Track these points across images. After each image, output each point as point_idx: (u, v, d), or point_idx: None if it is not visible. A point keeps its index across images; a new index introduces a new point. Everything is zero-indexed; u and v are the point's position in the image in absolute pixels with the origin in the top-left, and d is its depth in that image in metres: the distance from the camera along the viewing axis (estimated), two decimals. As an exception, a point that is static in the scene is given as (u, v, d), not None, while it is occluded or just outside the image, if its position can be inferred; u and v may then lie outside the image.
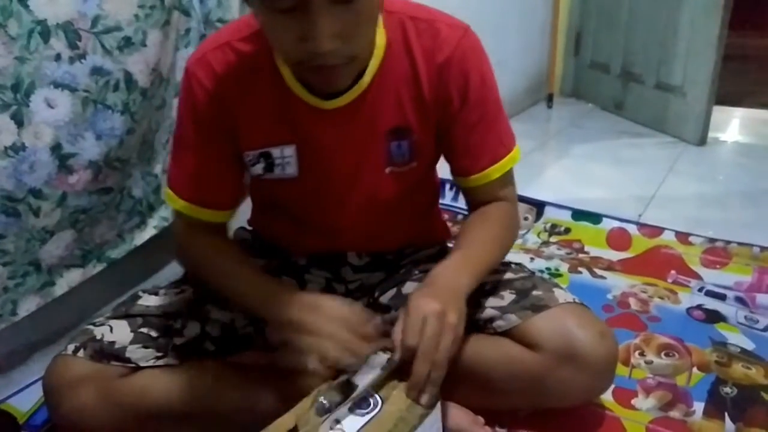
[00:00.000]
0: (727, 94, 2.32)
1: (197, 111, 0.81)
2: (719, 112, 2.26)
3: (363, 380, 0.71)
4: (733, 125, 2.50)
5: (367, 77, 0.78)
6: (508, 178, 0.89)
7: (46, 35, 0.89)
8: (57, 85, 0.92)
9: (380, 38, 0.78)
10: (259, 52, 0.79)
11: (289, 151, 0.83)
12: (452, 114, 0.83)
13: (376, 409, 0.66)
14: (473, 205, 0.90)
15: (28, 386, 1.01)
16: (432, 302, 0.71)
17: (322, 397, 0.69)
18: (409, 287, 0.94)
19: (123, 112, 1.01)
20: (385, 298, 0.95)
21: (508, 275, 0.91)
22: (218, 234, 0.90)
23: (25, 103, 0.89)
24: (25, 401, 0.98)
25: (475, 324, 0.87)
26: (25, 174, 0.91)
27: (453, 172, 0.89)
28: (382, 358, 0.74)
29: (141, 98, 1.04)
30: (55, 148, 0.93)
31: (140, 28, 1.00)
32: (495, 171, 0.86)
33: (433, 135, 0.85)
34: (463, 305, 0.75)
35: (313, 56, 0.66)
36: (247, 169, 0.87)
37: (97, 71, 0.96)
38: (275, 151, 0.83)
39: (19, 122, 0.89)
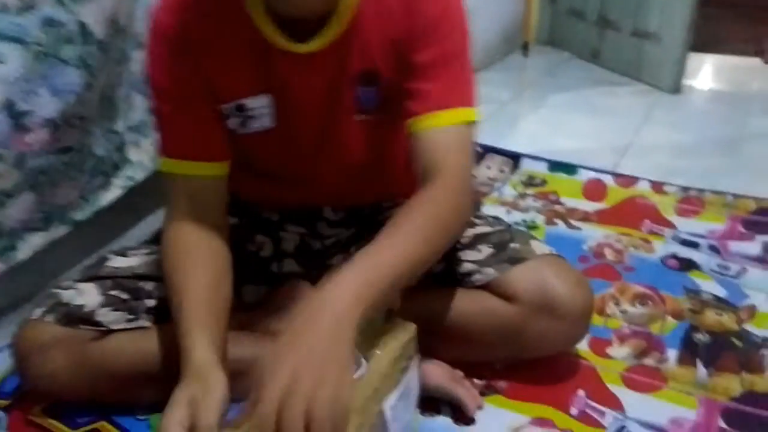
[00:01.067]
0: (701, 41, 2.31)
1: (168, 62, 0.77)
2: (693, 59, 2.25)
3: None
4: (705, 72, 2.49)
5: (342, 19, 0.75)
6: (456, 140, 0.76)
7: (-11, -17, 0.83)
8: (5, 37, 0.86)
9: None
10: None
11: (264, 100, 0.79)
12: (405, 53, 0.77)
13: (362, 370, 0.65)
14: (415, 171, 0.77)
15: (-5, 353, 0.98)
16: (292, 368, 0.53)
17: None
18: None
19: (79, 66, 0.95)
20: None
21: (485, 229, 0.90)
22: (211, 215, 0.80)
23: (-28, 58, 0.84)
24: (-6, 368, 0.95)
25: (453, 278, 0.86)
26: (-23, 134, 0.86)
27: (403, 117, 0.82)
28: None
29: (98, 51, 0.98)
30: (8, 105, 0.88)
31: (93, -25, 0.94)
32: (440, 118, 0.75)
33: (401, 82, 0.81)
34: (349, 341, 0.58)
35: None
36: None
37: (48, 22, 0.90)
38: (249, 102, 0.79)
39: (-34, 79, 0.84)
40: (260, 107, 0.80)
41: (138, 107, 1.18)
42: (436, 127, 0.75)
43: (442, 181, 0.73)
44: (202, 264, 0.76)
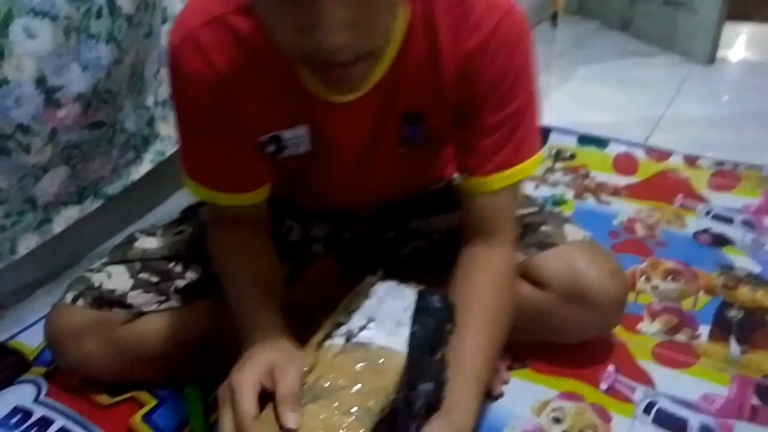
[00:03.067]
0: (735, 9, 2.22)
1: (194, 99, 0.69)
2: (727, 29, 2.17)
3: (379, 310, 0.70)
4: (740, 42, 2.41)
5: (383, 67, 0.67)
6: (512, 200, 0.75)
7: (19, -42, 0.83)
8: (36, 13, 0.86)
9: (401, 16, 0.65)
10: (259, 29, 0.64)
11: (302, 130, 0.73)
12: (471, 107, 0.70)
13: None
14: (469, 226, 0.76)
15: (34, 323, 1.01)
16: None
17: (341, 323, 0.69)
18: (414, 224, 0.92)
19: (108, 41, 0.95)
20: (390, 235, 0.94)
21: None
22: (253, 226, 0.78)
23: (4, 34, 0.84)
24: (33, 338, 0.98)
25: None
26: (11, 109, 0.87)
27: (456, 166, 0.80)
28: (387, 286, 0.74)
29: (126, 25, 0.98)
30: (40, 81, 0.89)
31: (121, -52, 0.93)
32: (499, 180, 0.72)
33: (450, 120, 0.75)
34: None
35: (319, 52, 0.53)
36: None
37: (77, -4, 0.90)
38: (286, 133, 0.73)
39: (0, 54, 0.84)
40: (298, 137, 0.74)
41: (166, 82, 1.18)
42: (496, 191, 0.72)
43: (503, 253, 0.74)
44: (253, 257, 0.75)
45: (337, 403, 0.59)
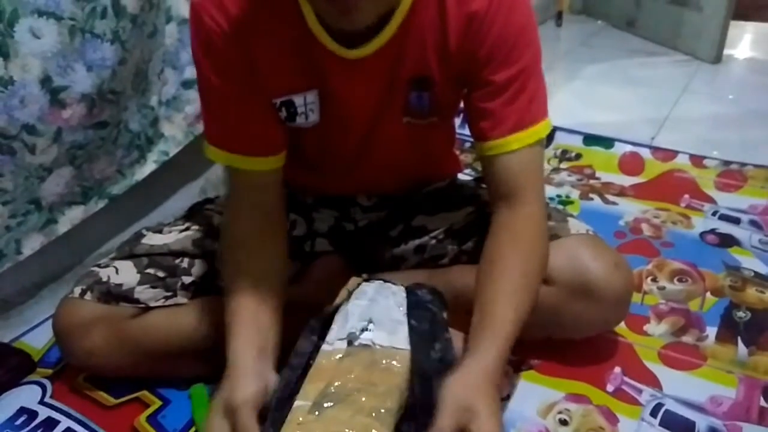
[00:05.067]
0: (741, 8, 2.21)
1: (216, 55, 0.72)
2: (733, 28, 2.16)
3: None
4: (746, 41, 2.40)
5: (394, 25, 0.70)
6: (533, 159, 0.76)
7: (24, -42, 0.83)
8: (41, 13, 0.86)
9: None
10: None
11: (312, 97, 0.76)
12: (476, 70, 0.73)
13: None
14: (493, 191, 0.77)
15: (39, 324, 1.01)
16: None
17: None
18: (418, 220, 0.92)
19: (113, 41, 0.95)
20: (394, 232, 0.93)
21: None
22: (269, 210, 0.80)
23: (10, 34, 0.84)
24: (38, 339, 0.98)
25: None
26: (16, 109, 0.87)
27: (472, 135, 0.80)
28: (375, 286, 0.74)
29: (131, 25, 0.98)
30: (45, 81, 0.89)
31: (125, -52, 0.93)
32: (515, 140, 0.74)
33: (455, 90, 0.78)
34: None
35: None
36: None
37: (82, -3, 0.90)
38: (298, 99, 0.76)
39: (5, 54, 0.84)
40: (309, 104, 0.77)
41: (170, 82, 1.18)
42: (514, 151, 0.74)
43: (529, 213, 0.75)
44: (255, 257, 0.77)
45: (355, 407, 0.59)
